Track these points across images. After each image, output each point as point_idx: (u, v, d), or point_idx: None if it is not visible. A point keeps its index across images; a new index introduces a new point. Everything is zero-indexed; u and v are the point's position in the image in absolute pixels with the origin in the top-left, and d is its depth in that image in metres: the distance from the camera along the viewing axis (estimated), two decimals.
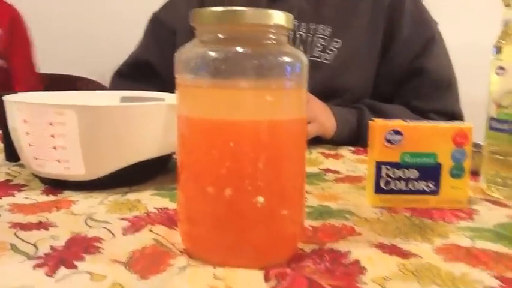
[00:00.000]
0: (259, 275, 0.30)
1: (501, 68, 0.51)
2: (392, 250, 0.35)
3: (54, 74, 1.69)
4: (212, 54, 0.31)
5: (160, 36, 1.03)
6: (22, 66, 1.56)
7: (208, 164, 0.32)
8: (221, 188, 0.31)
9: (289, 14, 0.33)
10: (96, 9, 1.95)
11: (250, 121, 0.31)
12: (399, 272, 0.31)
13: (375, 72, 0.94)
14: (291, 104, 0.33)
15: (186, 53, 0.33)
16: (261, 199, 0.31)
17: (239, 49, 0.31)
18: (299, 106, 0.34)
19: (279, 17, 0.32)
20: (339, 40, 0.91)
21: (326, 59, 0.91)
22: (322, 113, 0.81)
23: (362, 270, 0.31)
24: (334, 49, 0.91)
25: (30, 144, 0.49)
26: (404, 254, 0.34)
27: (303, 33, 0.92)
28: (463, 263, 0.33)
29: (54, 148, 0.47)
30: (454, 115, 0.92)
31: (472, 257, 0.34)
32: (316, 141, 0.81)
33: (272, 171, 0.32)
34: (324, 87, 0.89)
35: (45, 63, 1.71)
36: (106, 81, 1.54)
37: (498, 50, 0.52)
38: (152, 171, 0.55)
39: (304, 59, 0.33)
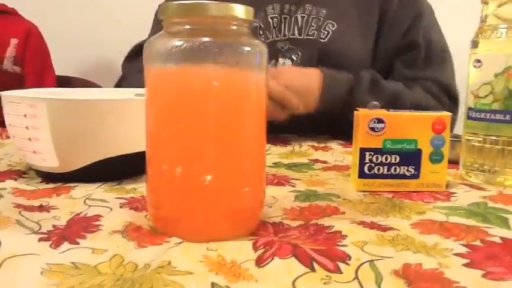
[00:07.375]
0: (248, 244, 0.33)
1: (478, 61, 0.54)
2: (373, 225, 0.38)
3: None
4: (177, 43, 0.33)
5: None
6: (34, 74, 1.66)
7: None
8: (174, 166, 0.33)
9: (250, 8, 0.34)
10: (94, 13, 1.98)
11: (201, 103, 0.33)
12: (377, 240, 0.34)
13: (371, 53, 0.96)
14: (249, 88, 0.35)
15: (154, 44, 0.35)
16: (208, 177, 0.33)
17: (203, 39, 0.33)
18: (257, 91, 0.35)
19: (240, 10, 0.33)
20: (333, 23, 0.94)
21: (321, 38, 0.93)
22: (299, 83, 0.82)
23: (343, 237, 0.34)
24: (329, 30, 0.93)
25: (13, 136, 0.51)
26: (383, 228, 0.37)
27: (299, 16, 0.94)
28: (436, 234, 0.36)
29: (30, 139, 0.48)
30: (447, 87, 0.92)
31: (444, 229, 0.37)
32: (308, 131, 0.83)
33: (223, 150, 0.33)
34: (320, 62, 0.90)
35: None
36: (101, 82, 1.57)
37: (475, 44, 0.55)
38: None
39: (264, 48, 0.35)
